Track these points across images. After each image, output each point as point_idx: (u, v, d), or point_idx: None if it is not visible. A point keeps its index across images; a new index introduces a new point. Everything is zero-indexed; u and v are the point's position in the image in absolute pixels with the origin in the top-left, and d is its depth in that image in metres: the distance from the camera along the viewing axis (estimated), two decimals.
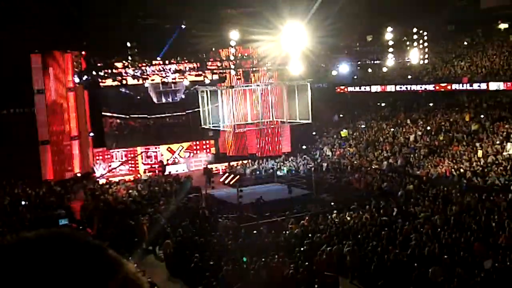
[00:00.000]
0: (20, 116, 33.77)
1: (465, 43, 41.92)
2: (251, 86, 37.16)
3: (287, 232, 21.60)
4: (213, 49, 35.94)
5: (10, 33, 29.59)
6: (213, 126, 34.46)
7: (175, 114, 39.93)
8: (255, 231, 21.64)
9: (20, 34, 30.13)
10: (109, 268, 1.00)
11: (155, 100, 39.11)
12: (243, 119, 37.92)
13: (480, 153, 30.71)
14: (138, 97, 38.74)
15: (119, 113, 38.71)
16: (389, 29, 37.42)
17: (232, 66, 34.76)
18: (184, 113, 39.75)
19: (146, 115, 39.18)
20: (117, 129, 39.26)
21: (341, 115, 46.04)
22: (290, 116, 35.35)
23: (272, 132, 39.61)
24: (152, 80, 35.31)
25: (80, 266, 0.96)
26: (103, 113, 37.91)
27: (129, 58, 33.22)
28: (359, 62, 40.49)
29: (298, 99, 33.60)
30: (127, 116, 38.99)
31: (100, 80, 34.63)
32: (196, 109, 36.83)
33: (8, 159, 30.13)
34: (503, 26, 41.23)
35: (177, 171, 38.52)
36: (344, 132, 42.30)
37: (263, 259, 16.89)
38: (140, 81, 35.33)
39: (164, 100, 39.37)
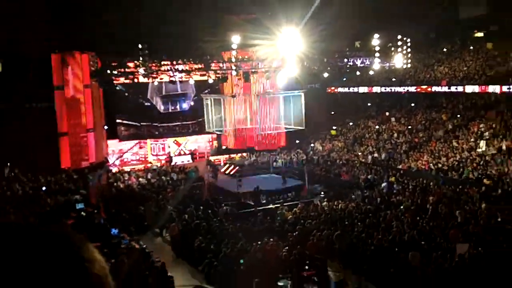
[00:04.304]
0: (41, 110, 33.70)
1: (445, 49, 41.90)
2: (250, 95, 37.12)
3: (281, 218, 21.68)
4: (217, 51, 35.82)
5: (33, 33, 29.54)
6: (216, 130, 34.49)
7: (184, 123, 39.83)
8: (252, 217, 21.70)
9: (42, 36, 30.07)
10: (76, 265, 0.89)
11: (160, 107, 38.90)
12: (243, 119, 37.87)
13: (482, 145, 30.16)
14: (147, 104, 38.56)
15: (130, 118, 38.53)
16: (376, 35, 37.43)
17: (234, 67, 34.76)
18: (193, 122, 39.61)
19: (156, 124, 39.08)
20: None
21: (332, 113, 46.02)
22: (286, 119, 34.94)
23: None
24: (161, 79, 35.14)
25: (46, 262, 0.86)
26: (117, 121, 37.90)
27: (140, 58, 33.13)
28: (348, 65, 40.49)
29: (293, 106, 33.25)
30: (139, 124, 38.82)
31: (113, 78, 34.65)
32: (200, 119, 37.10)
33: (31, 149, 30.12)
34: (479, 34, 41.23)
35: (182, 162, 38.59)
36: (333, 131, 42.47)
37: (259, 242, 16.96)
38: (150, 80, 35.24)
39: (171, 108, 39.24)
